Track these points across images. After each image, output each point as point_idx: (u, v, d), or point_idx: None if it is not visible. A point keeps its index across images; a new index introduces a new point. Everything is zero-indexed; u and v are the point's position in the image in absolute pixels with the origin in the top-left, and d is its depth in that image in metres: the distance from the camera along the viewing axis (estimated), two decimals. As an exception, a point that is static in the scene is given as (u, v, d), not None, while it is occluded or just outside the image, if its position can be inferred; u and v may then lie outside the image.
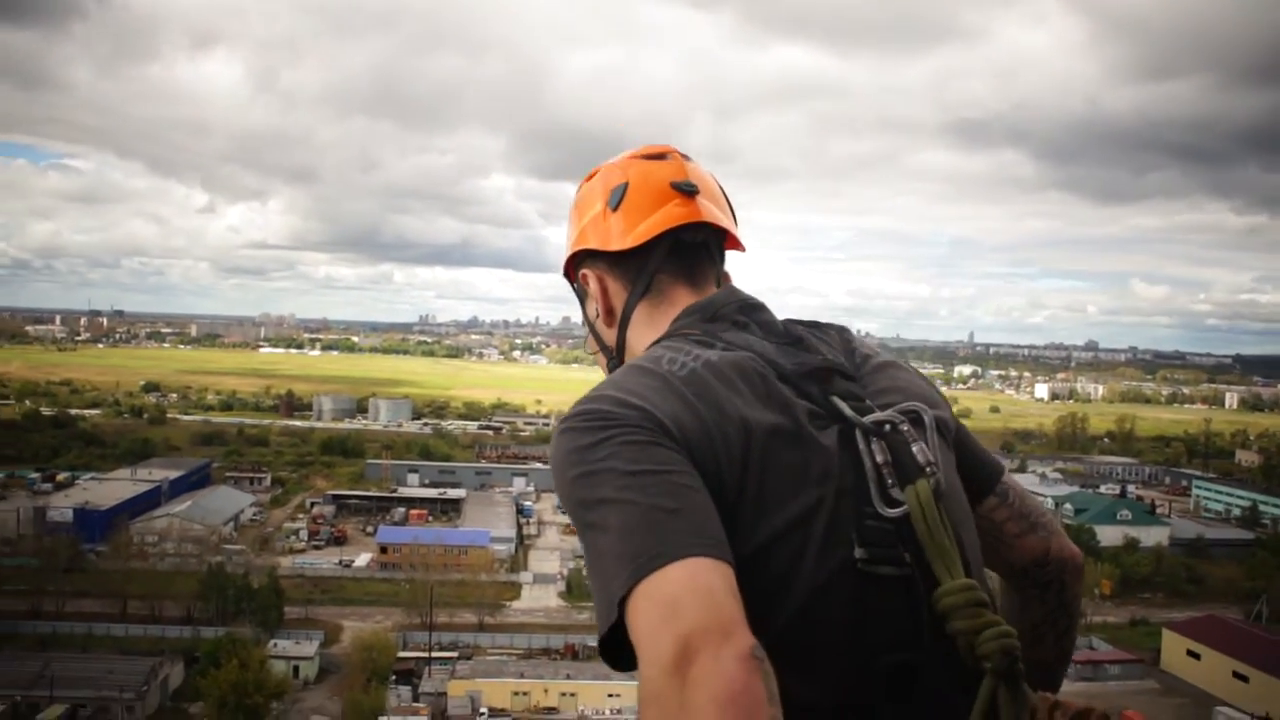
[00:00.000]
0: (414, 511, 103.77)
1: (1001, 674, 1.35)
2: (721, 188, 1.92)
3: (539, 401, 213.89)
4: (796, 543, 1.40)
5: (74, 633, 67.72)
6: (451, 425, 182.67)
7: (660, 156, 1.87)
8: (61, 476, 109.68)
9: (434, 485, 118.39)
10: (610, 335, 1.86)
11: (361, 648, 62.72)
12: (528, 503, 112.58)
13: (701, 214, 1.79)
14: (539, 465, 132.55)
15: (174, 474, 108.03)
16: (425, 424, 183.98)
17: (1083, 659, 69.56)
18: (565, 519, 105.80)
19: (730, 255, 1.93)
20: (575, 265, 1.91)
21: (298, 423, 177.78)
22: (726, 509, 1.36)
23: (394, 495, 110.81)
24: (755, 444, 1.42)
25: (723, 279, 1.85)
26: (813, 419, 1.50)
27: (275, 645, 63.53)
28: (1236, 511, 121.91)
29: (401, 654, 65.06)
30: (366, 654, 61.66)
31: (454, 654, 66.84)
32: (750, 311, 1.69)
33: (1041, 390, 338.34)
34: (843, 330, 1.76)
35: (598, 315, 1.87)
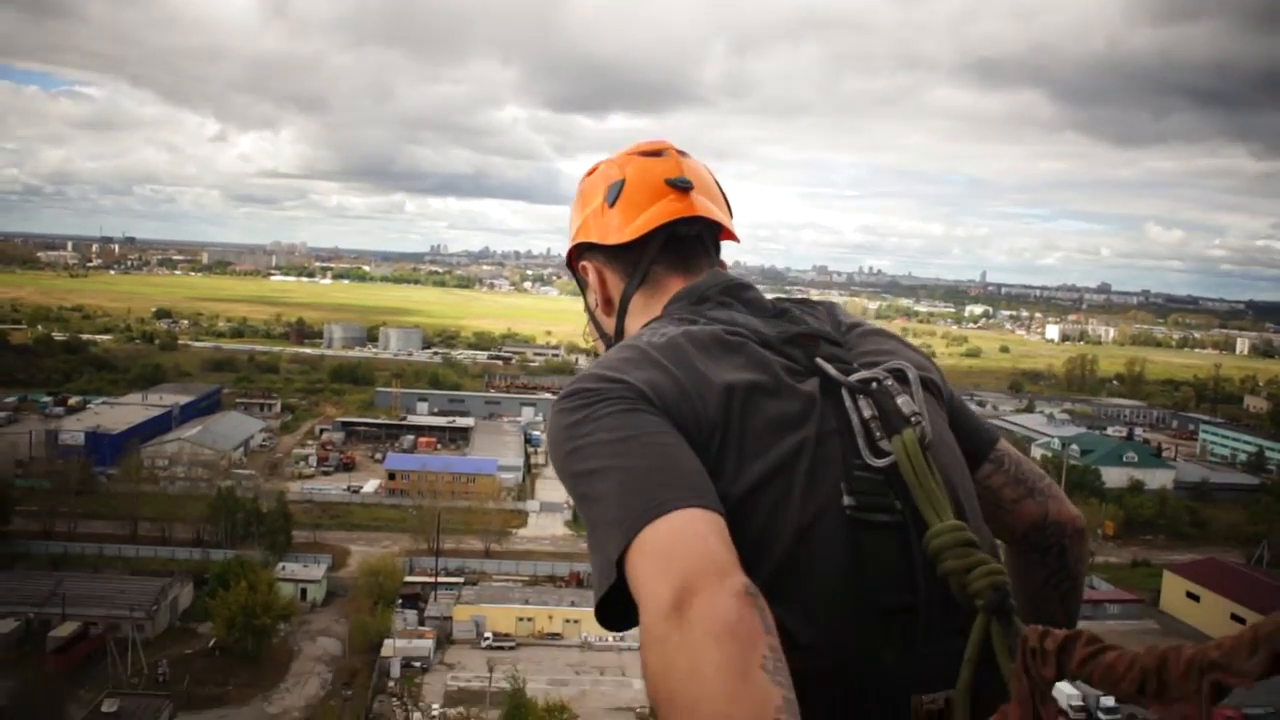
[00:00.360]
0: (423, 439, 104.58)
1: (993, 609, 1.37)
2: (717, 182, 2.01)
3: (549, 333, 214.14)
4: (781, 487, 1.44)
5: (85, 553, 68.71)
6: (461, 355, 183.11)
7: (657, 153, 1.95)
8: (73, 400, 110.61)
9: (443, 414, 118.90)
10: (609, 324, 1.95)
11: (369, 572, 63.40)
12: (536, 432, 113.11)
13: (695, 209, 1.87)
14: (548, 395, 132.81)
15: (185, 399, 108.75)
16: (435, 353, 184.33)
17: (1083, 598, 70.16)
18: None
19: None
20: (577, 256, 2.01)
21: (308, 350, 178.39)
22: (709, 462, 1.42)
23: (403, 423, 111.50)
24: (735, 400, 1.49)
25: (717, 268, 1.90)
26: (792, 374, 1.57)
27: (283, 568, 64.27)
28: (1243, 457, 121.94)
29: (408, 579, 65.82)
30: (373, 578, 62.35)
31: (460, 580, 67.60)
32: (736, 291, 1.76)
33: (1052, 331, 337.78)
34: (831, 306, 1.83)
35: (597, 305, 1.97)
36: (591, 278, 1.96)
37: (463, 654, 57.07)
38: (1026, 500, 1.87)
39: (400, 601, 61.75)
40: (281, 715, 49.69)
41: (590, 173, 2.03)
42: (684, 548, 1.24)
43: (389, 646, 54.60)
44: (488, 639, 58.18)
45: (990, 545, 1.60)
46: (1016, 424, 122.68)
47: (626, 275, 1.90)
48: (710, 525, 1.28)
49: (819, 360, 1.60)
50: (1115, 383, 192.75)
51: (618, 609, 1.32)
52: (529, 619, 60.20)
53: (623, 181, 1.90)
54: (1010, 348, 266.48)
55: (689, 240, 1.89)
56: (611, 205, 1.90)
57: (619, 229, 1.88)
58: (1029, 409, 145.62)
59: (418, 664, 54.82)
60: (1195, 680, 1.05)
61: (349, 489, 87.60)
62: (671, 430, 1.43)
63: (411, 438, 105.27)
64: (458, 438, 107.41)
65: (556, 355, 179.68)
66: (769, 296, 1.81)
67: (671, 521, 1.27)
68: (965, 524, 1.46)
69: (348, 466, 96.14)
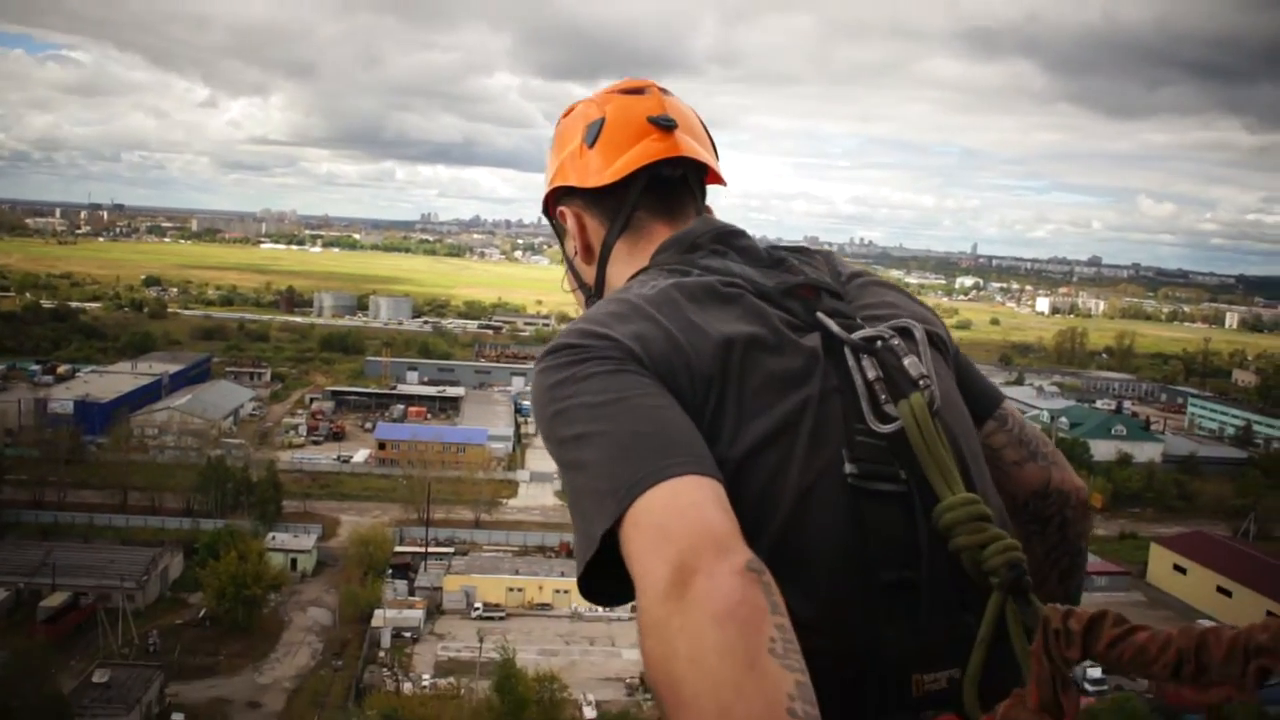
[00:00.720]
0: (413, 409, 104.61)
1: (1008, 588, 1.28)
2: (703, 123, 1.89)
3: (539, 302, 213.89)
4: (782, 451, 1.35)
5: (75, 523, 68.60)
6: (451, 324, 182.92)
7: (639, 91, 1.84)
8: (62, 369, 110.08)
9: (433, 383, 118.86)
10: (589, 273, 1.83)
11: (359, 542, 63.50)
12: (526, 402, 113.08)
13: (680, 149, 1.75)
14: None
15: (174, 368, 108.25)
16: (425, 322, 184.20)
17: (1070, 570, 70.67)
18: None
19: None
20: (554, 202, 1.88)
21: (298, 319, 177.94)
22: (705, 422, 1.34)
23: (393, 392, 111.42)
24: (734, 354, 1.39)
25: (704, 213, 1.80)
26: (792, 329, 1.47)
27: (273, 538, 64.29)
28: (1230, 430, 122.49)
29: (398, 549, 65.93)
30: (364, 548, 62.45)
31: (450, 550, 67.70)
32: (728, 239, 1.64)
33: (1043, 304, 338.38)
34: (829, 255, 1.73)
35: (576, 253, 1.85)
36: (570, 224, 1.83)
37: (453, 624, 57.29)
38: (1029, 464, 1.76)
39: (390, 572, 61.97)
40: (272, 685, 49.82)
41: (568, 113, 1.91)
42: (680, 520, 1.14)
43: (379, 617, 54.77)
44: (478, 609, 58.37)
45: (1001, 516, 1.48)
46: (1006, 396, 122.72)
47: (607, 221, 1.78)
48: (708, 494, 1.18)
49: (820, 315, 1.50)
50: (1105, 356, 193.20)
51: (603, 582, 1.25)
52: (519, 589, 60.37)
53: (602, 120, 1.79)
54: (1000, 320, 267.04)
55: (673, 183, 1.77)
56: (591, 146, 1.78)
57: (599, 170, 1.76)
58: (1019, 381, 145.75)
59: (408, 634, 55.04)
60: (1238, 664, 1.01)
61: (339, 458, 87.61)
62: (662, 391, 1.33)
63: (402, 407, 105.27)
64: (448, 407, 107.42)
65: (547, 324, 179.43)
66: (764, 245, 1.68)
67: (666, 491, 1.18)
68: (978, 497, 1.37)
69: (338, 436, 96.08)
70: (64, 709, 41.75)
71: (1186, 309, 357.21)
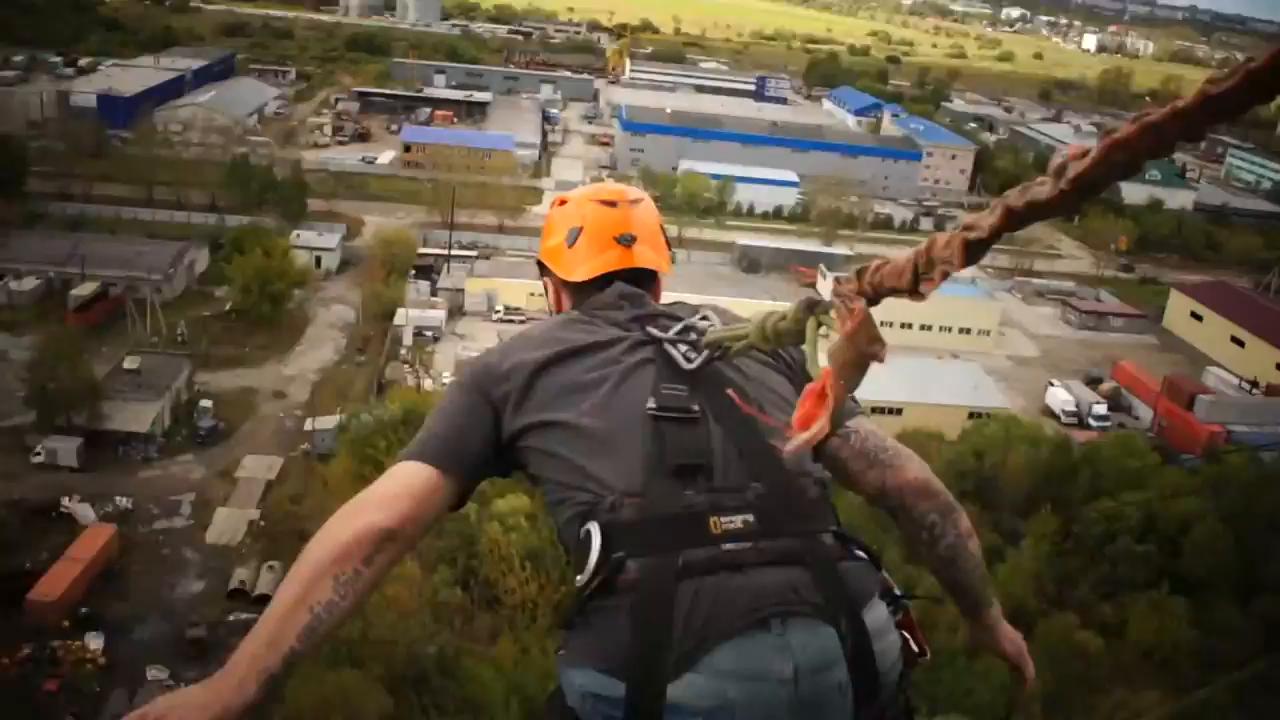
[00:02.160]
0: (439, 112, 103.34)
1: (807, 307, 1.71)
2: (662, 227, 2.47)
3: (571, 9, 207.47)
4: (602, 398, 1.95)
5: (102, 216, 68.98)
6: (480, 28, 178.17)
7: (612, 204, 2.39)
8: (83, 62, 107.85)
9: (460, 87, 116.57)
10: None
11: (383, 242, 64.07)
12: (554, 110, 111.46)
13: (635, 262, 2.32)
14: (568, 75, 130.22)
15: (197, 63, 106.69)
16: (454, 25, 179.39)
17: (1088, 309, 71.07)
18: (590, 129, 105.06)
19: None
20: (543, 267, 2.48)
21: (324, 16, 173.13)
22: (530, 398, 1.99)
23: (419, 95, 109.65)
24: (563, 353, 2.03)
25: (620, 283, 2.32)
26: (624, 334, 2.09)
27: (298, 236, 64.81)
28: (1267, 184, 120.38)
29: (421, 250, 66.34)
30: (387, 248, 63.04)
31: (473, 253, 68.19)
32: (630, 299, 2.22)
33: (1090, 41, 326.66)
34: (717, 308, 2.22)
35: (551, 309, 2.47)
36: (550, 294, 2.46)
37: (474, 325, 58.37)
38: (870, 471, 2.10)
39: (414, 272, 62.57)
40: (297, 377, 51.26)
41: (561, 203, 2.48)
42: (380, 482, 1.91)
43: (401, 315, 55.76)
44: (498, 311, 59.34)
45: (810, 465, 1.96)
46: (1043, 133, 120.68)
47: (574, 300, 2.34)
48: (412, 476, 1.91)
49: (649, 328, 2.08)
50: (1148, 99, 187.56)
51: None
52: (539, 294, 60.92)
53: (579, 230, 2.35)
54: (1044, 55, 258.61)
55: (628, 279, 2.31)
56: (570, 246, 2.35)
57: (571, 269, 2.34)
58: (1056, 119, 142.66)
59: (429, 333, 56.18)
60: (955, 245, 1.32)
61: (364, 159, 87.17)
62: (478, 405, 2.02)
63: (428, 110, 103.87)
64: (475, 112, 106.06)
65: (579, 33, 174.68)
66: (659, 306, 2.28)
67: (401, 466, 1.94)
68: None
69: (363, 137, 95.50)
70: (97, 392, 43.22)
71: (1239, 56, 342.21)
